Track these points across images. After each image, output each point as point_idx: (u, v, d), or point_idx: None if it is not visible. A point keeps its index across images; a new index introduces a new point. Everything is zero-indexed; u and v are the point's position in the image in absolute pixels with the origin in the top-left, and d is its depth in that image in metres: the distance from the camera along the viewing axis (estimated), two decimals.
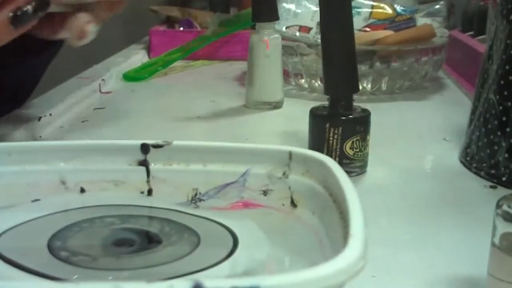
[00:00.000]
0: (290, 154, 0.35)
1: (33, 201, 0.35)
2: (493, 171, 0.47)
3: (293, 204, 0.34)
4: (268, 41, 0.68)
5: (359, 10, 0.79)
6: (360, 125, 0.48)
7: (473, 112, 0.51)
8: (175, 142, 0.36)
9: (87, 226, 0.33)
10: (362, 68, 0.73)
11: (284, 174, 0.35)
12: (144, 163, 0.36)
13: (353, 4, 0.65)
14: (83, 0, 0.39)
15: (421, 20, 0.82)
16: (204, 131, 0.63)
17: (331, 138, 0.47)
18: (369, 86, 0.76)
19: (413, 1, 0.89)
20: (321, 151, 0.44)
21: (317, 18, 0.75)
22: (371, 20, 0.80)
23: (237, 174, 0.36)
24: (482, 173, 0.48)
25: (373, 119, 0.49)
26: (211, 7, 1.25)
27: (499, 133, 0.47)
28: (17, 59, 0.52)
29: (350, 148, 0.47)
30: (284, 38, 0.73)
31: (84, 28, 0.40)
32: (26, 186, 0.35)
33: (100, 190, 0.36)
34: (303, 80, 0.78)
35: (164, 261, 0.30)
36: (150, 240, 0.32)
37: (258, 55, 0.68)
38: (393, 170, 0.51)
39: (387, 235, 0.39)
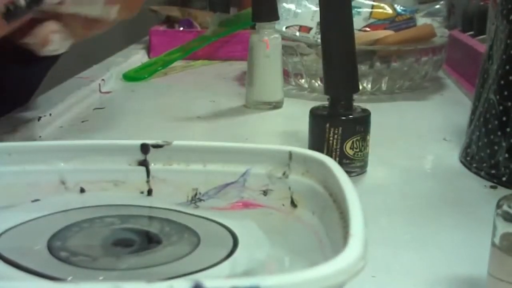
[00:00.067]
0: (290, 154, 0.35)
1: (33, 201, 0.35)
2: (493, 171, 0.47)
3: (293, 204, 0.34)
4: (268, 41, 0.68)
5: (359, 10, 0.79)
6: (360, 125, 0.48)
7: (473, 112, 0.51)
8: (175, 142, 0.36)
9: (87, 226, 0.33)
10: (362, 68, 0.73)
11: (284, 174, 0.35)
12: (144, 163, 0.36)
13: (353, 4, 0.65)
14: (50, 8, 0.38)
15: (421, 20, 0.82)
16: (204, 131, 0.63)
17: (331, 138, 0.47)
18: (369, 86, 0.76)
19: (413, 1, 0.89)
20: (321, 151, 0.44)
21: (317, 18, 0.75)
22: (371, 20, 0.80)
23: (237, 174, 0.36)
24: (482, 173, 0.48)
25: (373, 119, 0.49)
26: (211, 7, 1.25)
27: (499, 133, 0.47)
28: (16, 65, 0.52)
29: (350, 148, 0.47)
30: (284, 38, 0.73)
31: (48, 36, 0.39)
32: (26, 186, 0.35)
33: (100, 190, 0.36)
34: (303, 80, 0.78)
35: (164, 261, 0.30)
36: (150, 240, 0.32)
37: (258, 55, 0.68)
38: (393, 170, 0.51)
39: (387, 235, 0.39)
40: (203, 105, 0.72)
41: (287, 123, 0.66)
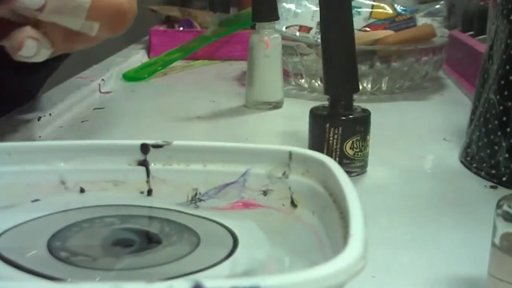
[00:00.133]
0: (290, 154, 0.35)
1: (33, 201, 0.35)
2: (493, 171, 0.47)
3: (293, 204, 0.34)
4: (268, 41, 0.68)
5: (359, 10, 0.79)
6: (360, 125, 0.48)
7: (473, 112, 0.51)
8: (175, 142, 0.36)
9: (87, 226, 0.33)
10: (362, 68, 0.73)
11: (284, 174, 0.35)
12: (144, 163, 0.36)
13: (353, 4, 0.65)
14: (30, 13, 0.38)
15: (421, 20, 0.82)
16: (204, 131, 0.63)
17: (331, 138, 0.47)
18: (369, 86, 0.76)
19: (413, 1, 0.89)
20: (321, 151, 0.44)
21: (317, 18, 0.75)
22: (371, 20, 0.80)
23: (237, 174, 0.36)
24: (483, 173, 0.48)
25: (373, 119, 0.49)
26: (211, 7, 1.25)
27: (499, 133, 0.47)
28: (13, 74, 0.52)
29: (350, 148, 0.47)
30: (284, 38, 0.73)
31: (23, 40, 0.38)
32: (26, 186, 0.35)
33: (100, 190, 0.36)
34: (303, 80, 0.78)
35: (164, 261, 0.30)
36: (150, 240, 0.32)
37: (258, 55, 0.68)
38: (393, 170, 0.51)
39: (387, 235, 0.39)
40: (203, 105, 0.72)
41: (287, 123, 0.66)
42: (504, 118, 0.46)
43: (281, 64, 0.69)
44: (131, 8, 0.43)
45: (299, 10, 0.80)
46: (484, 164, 0.48)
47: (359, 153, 0.48)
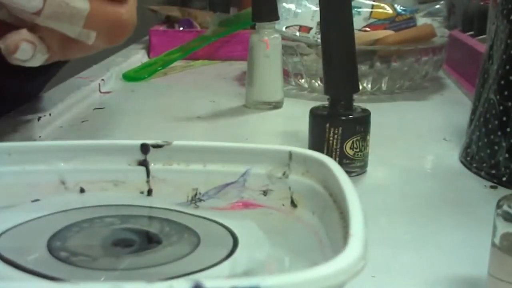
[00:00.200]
0: (290, 154, 0.35)
1: (33, 201, 0.35)
2: (493, 171, 0.47)
3: (293, 204, 0.34)
4: (268, 41, 0.68)
5: (359, 10, 0.79)
6: (360, 125, 0.48)
7: (473, 112, 0.51)
8: (175, 142, 0.36)
9: (87, 226, 0.33)
10: (362, 68, 0.73)
11: (284, 174, 0.35)
12: (144, 163, 0.36)
13: (353, 4, 0.65)
14: (27, 17, 0.38)
15: (421, 20, 0.82)
16: (204, 131, 0.63)
17: (331, 138, 0.47)
18: (369, 86, 0.76)
19: (413, 1, 0.89)
20: (321, 151, 0.44)
21: (317, 18, 0.75)
22: (371, 20, 0.80)
23: (237, 174, 0.36)
24: (483, 173, 0.48)
25: (373, 119, 0.49)
26: (211, 7, 1.25)
27: (499, 133, 0.47)
28: (10, 77, 0.52)
29: (350, 148, 0.47)
30: (284, 38, 0.73)
31: (18, 43, 0.38)
32: (26, 186, 0.35)
33: (100, 190, 0.36)
34: (303, 80, 0.78)
35: (164, 261, 0.30)
36: (150, 240, 0.32)
37: (258, 55, 0.68)
38: (393, 170, 0.51)
39: (387, 235, 0.39)
40: (203, 105, 0.72)
41: (287, 123, 0.66)
42: (504, 118, 0.46)
43: (281, 64, 0.69)
44: (130, 19, 0.42)
45: (299, 10, 0.80)
46: (484, 164, 0.48)
47: (359, 153, 0.48)
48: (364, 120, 0.48)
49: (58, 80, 0.72)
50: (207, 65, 0.99)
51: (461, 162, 0.52)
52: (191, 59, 0.98)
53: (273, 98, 0.69)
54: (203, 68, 0.97)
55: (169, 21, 1.13)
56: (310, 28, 0.78)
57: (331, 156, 0.41)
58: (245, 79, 0.71)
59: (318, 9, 0.50)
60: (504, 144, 0.46)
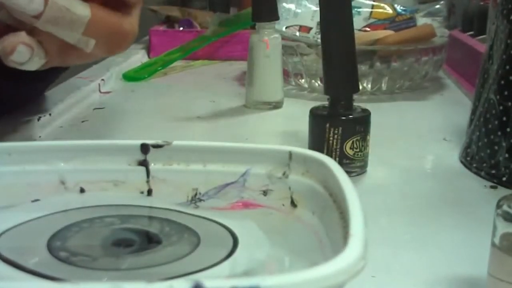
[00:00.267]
0: (290, 154, 0.35)
1: (33, 201, 0.35)
2: (493, 171, 0.47)
3: (293, 204, 0.34)
4: (268, 41, 0.68)
5: (359, 10, 0.79)
6: (360, 125, 0.48)
7: (473, 112, 0.51)
8: (175, 142, 0.36)
9: (87, 226, 0.33)
10: (362, 68, 0.73)
11: (284, 174, 0.35)
12: (144, 163, 0.36)
13: (353, 4, 0.65)
14: (27, 19, 0.38)
15: (421, 20, 0.82)
16: (204, 131, 0.63)
17: (331, 138, 0.47)
18: (369, 86, 0.76)
19: (413, 1, 0.89)
20: (321, 151, 0.44)
21: (317, 18, 0.75)
22: (371, 20, 0.80)
23: (237, 174, 0.36)
24: (482, 173, 0.48)
25: (373, 119, 0.49)
26: (211, 7, 1.25)
27: (499, 133, 0.47)
28: (7, 79, 0.52)
29: (350, 148, 0.47)
30: (284, 38, 0.73)
31: (15, 45, 0.38)
32: (26, 186, 0.35)
33: (100, 190, 0.36)
34: (303, 80, 0.78)
35: (164, 261, 0.30)
36: (150, 240, 0.32)
37: (258, 55, 0.68)
38: (393, 170, 0.51)
39: (387, 235, 0.39)
40: (203, 105, 0.72)
41: (287, 123, 0.66)
42: (504, 118, 0.46)
43: (281, 64, 0.69)
44: (131, 30, 0.42)
45: (299, 10, 0.80)
46: (484, 164, 0.48)
47: (359, 153, 0.48)
48: (364, 120, 0.48)
49: (58, 80, 0.72)
50: (207, 65, 0.99)
51: (461, 162, 0.52)
52: (191, 59, 0.98)
53: (273, 98, 0.69)
54: (203, 68, 0.97)
55: (169, 21, 1.13)
56: (310, 28, 0.78)
57: (331, 156, 0.41)
58: (245, 79, 0.71)
59: (318, 9, 0.50)
60: (504, 144, 0.46)
